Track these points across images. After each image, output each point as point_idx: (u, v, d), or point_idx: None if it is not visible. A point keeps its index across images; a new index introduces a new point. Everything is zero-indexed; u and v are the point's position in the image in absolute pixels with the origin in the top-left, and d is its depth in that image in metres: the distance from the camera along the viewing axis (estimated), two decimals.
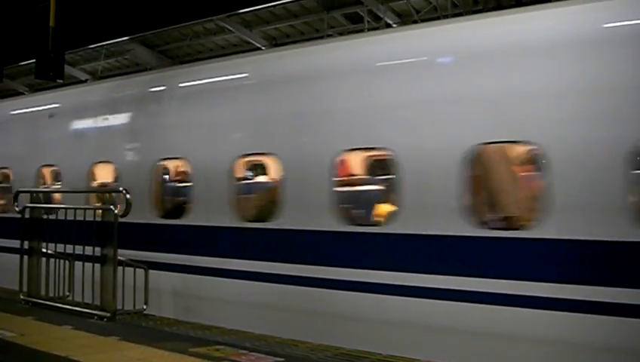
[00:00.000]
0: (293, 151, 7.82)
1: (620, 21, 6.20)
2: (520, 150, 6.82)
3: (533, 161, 6.44)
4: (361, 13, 13.56)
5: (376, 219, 7.51)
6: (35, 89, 18.35)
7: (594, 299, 5.77)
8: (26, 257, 8.34)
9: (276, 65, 8.79)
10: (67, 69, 13.52)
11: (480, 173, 6.70)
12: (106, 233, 7.30)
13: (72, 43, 14.08)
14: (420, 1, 12.95)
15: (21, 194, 8.89)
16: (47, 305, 7.97)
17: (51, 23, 11.21)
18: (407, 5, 13.01)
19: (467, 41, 7.04)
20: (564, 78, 6.23)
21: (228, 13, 14.19)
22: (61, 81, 11.50)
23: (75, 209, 7.93)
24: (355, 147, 7.59)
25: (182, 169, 9.63)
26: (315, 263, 7.40)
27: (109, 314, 7.23)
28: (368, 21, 13.48)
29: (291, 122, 7.96)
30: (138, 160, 9.72)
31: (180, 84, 9.68)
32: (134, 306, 8.00)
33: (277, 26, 14.72)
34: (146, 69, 15.40)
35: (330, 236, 7.34)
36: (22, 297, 8.25)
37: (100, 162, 10.26)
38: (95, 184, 10.42)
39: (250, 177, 9.34)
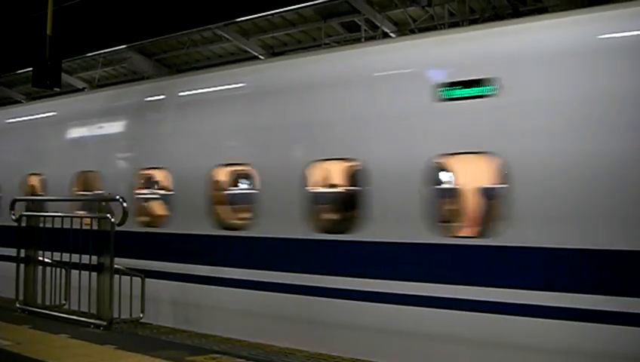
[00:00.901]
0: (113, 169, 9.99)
1: None
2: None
3: None
4: (359, 22, 13.60)
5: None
6: (32, 97, 18.36)
7: None
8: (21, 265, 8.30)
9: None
10: (64, 77, 13.49)
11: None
12: (103, 241, 7.29)
13: (69, 51, 14.09)
14: (417, 10, 12.99)
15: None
16: (43, 313, 7.95)
17: (48, 32, 11.19)
18: (404, 14, 13.05)
19: None
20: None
21: (225, 22, 14.21)
22: (58, 89, 11.47)
23: (72, 217, 7.90)
24: (151, 166, 9.71)
25: None
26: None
27: (105, 323, 7.21)
28: (365, 30, 13.52)
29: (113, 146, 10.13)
30: None
31: None
32: (131, 314, 7.98)
33: (274, 34, 14.74)
34: (143, 78, 15.43)
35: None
36: (18, 305, 8.22)
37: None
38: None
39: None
